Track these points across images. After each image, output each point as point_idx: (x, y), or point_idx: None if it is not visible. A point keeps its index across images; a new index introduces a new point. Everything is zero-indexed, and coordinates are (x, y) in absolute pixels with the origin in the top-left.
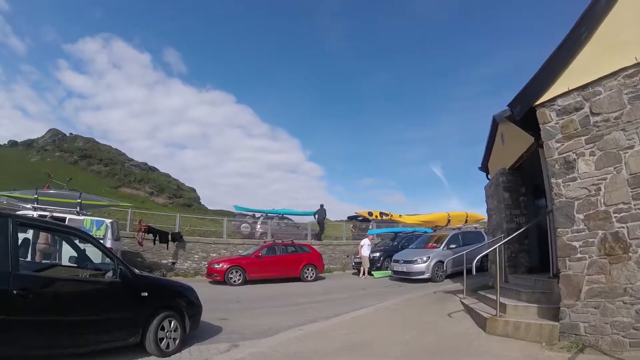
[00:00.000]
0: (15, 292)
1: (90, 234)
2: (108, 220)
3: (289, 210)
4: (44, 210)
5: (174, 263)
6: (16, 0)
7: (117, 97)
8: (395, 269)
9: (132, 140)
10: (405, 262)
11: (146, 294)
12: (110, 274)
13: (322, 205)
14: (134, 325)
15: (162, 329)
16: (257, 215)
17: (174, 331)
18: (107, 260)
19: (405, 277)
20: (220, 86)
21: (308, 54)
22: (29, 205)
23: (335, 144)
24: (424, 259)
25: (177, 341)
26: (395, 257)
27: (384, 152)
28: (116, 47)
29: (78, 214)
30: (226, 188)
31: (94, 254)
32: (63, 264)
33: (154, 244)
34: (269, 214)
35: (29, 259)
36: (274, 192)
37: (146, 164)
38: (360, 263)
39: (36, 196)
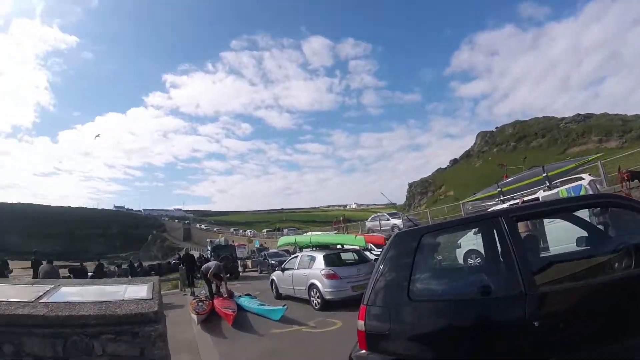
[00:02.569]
0: (536, 323)
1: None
2: (585, 181)
3: None
4: (511, 199)
5: None
6: (383, 74)
7: (514, 76)
8: None
9: (549, 104)
10: None
11: None
12: None
13: None
14: None
15: None
16: None
17: None
18: None
19: None
20: None
21: None
22: (493, 201)
23: None
24: None
25: None
26: None
27: None
28: (482, 41)
29: (549, 188)
30: None
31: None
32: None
33: None
34: None
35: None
36: None
37: (579, 114)
38: None
39: (499, 189)
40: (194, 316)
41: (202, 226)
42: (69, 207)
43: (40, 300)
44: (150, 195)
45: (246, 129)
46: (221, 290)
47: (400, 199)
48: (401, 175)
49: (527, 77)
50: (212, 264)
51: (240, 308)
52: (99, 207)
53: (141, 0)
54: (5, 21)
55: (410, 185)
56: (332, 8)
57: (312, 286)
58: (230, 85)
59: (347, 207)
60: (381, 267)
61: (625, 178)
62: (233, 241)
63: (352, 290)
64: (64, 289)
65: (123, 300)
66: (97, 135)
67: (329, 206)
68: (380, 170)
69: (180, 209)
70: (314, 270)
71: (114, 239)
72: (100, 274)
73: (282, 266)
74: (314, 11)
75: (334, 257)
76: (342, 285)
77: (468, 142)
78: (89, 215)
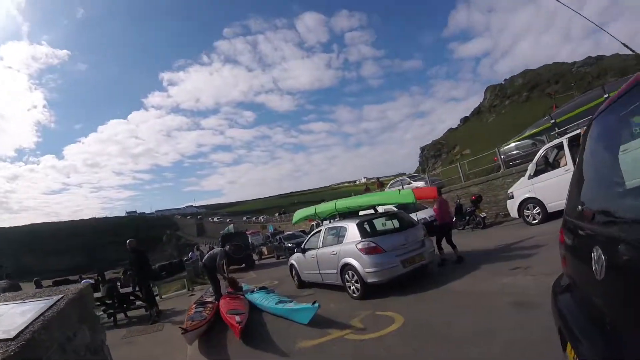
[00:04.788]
0: None
1: None
2: None
3: None
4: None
5: None
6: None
7: (514, 31)
8: None
9: (552, 56)
10: None
11: None
12: None
13: None
14: None
15: None
16: None
17: None
18: None
19: None
20: None
21: None
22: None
23: None
24: None
25: None
26: None
27: None
28: None
29: None
30: None
31: None
32: None
33: None
34: None
35: None
36: None
37: (590, 57)
38: None
39: (553, 120)
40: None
41: (215, 219)
42: (81, 219)
43: None
44: (162, 196)
45: (249, 117)
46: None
47: (411, 168)
48: (408, 144)
49: (527, 31)
50: (217, 251)
51: (254, 308)
52: (111, 216)
53: (126, 2)
54: None
55: (423, 149)
56: None
57: (346, 267)
58: (227, 74)
59: (357, 182)
60: None
61: None
62: (247, 229)
63: (403, 266)
64: None
65: None
66: None
67: (338, 184)
68: (386, 141)
69: (192, 206)
70: (346, 246)
71: None
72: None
73: (303, 246)
74: None
75: (371, 225)
76: (389, 261)
77: (473, 103)
78: (101, 225)
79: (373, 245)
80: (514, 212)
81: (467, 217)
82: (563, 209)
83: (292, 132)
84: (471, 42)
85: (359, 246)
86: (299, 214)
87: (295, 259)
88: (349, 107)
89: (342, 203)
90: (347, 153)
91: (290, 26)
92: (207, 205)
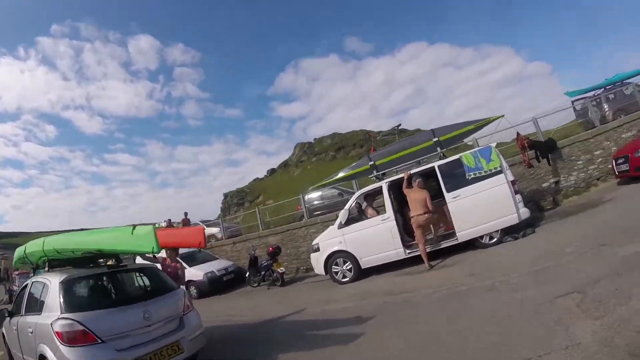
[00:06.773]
0: None
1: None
2: (493, 144)
3: (629, 73)
4: (384, 175)
5: (557, 182)
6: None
7: (331, 101)
8: None
9: (358, 127)
10: None
11: None
12: None
13: None
14: None
15: None
16: (596, 93)
17: None
18: None
19: None
20: (410, 39)
21: None
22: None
23: (549, 29)
24: None
25: None
26: None
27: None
28: (306, 66)
29: (442, 156)
30: None
31: None
32: None
33: (539, 161)
34: (607, 87)
35: None
36: (514, 111)
37: (395, 128)
38: None
39: (372, 162)
40: None
41: None
42: None
43: None
44: None
45: (50, 132)
46: None
47: (214, 214)
48: (216, 190)
49: (342, 103)
50: None
51: None
52: None
53: None
54: None
55: (226, 195)
56: (168, 7)
57: None
58: (40, 77)
59: (157, 225)
60: None
61: (526, 145)
62: (17, 269)
63: None
64: None
65: None
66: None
67: (136, 224)
68: (195, 185)
69: None
70: (44, 319)
71: None
72: None
73: (11, 307)
74: (149, 6)
75: (88, 286)
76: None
77: (283, 158)
78: None
79: (79, 328)
80: (319, 268)
81: (263, 272)
82: (378, 265)
83: (94, 160)
84: (291, 104)
85: (56, 327)
86: (18, 252)
87: (5, 326)
88: (162, 144)
89: (53, 242)
90: (151, 192)
91: (122, 43)
92: None
